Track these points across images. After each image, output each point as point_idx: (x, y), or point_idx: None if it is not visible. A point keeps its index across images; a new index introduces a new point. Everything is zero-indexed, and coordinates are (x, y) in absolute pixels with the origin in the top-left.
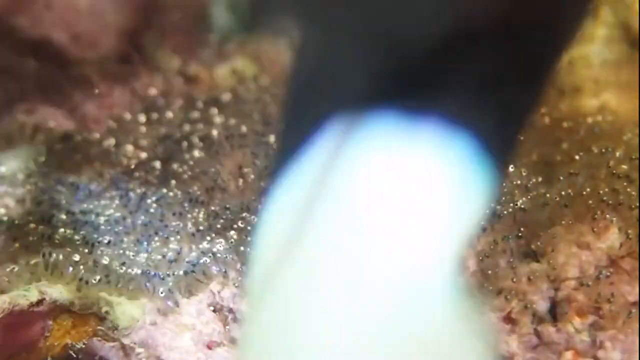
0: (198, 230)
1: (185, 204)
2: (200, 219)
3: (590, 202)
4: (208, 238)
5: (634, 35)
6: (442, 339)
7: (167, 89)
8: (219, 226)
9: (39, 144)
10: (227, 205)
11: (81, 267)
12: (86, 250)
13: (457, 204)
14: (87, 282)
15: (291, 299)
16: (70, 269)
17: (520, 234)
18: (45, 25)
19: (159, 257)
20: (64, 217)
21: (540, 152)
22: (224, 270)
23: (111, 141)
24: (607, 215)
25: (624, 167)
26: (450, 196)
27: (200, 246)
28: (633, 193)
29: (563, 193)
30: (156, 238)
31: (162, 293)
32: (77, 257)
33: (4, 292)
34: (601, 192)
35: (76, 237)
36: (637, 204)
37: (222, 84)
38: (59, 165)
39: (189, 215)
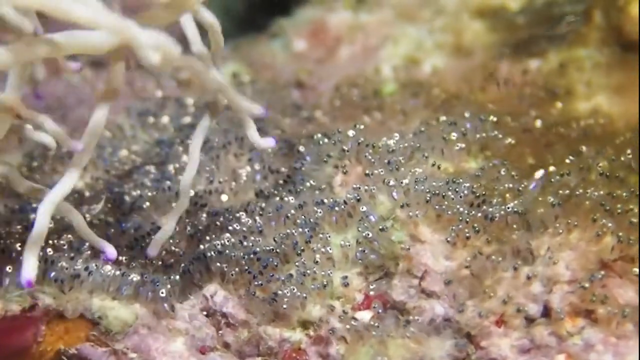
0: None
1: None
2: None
3: (583, 205)
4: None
5: (626, 38)
6: None
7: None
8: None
9: None
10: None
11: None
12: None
13: None
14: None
15: None
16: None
17: (512, 237)
18: None
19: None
20: None
21: (533, 155)
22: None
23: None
24: (601, 219)
25: (616, 169)
26: None
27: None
28: (625, 195)
29: (555, 196)
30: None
31: (162, 293)
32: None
33: None
34: (594, 195)
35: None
36: (630, 207)
37: None
38: None
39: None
